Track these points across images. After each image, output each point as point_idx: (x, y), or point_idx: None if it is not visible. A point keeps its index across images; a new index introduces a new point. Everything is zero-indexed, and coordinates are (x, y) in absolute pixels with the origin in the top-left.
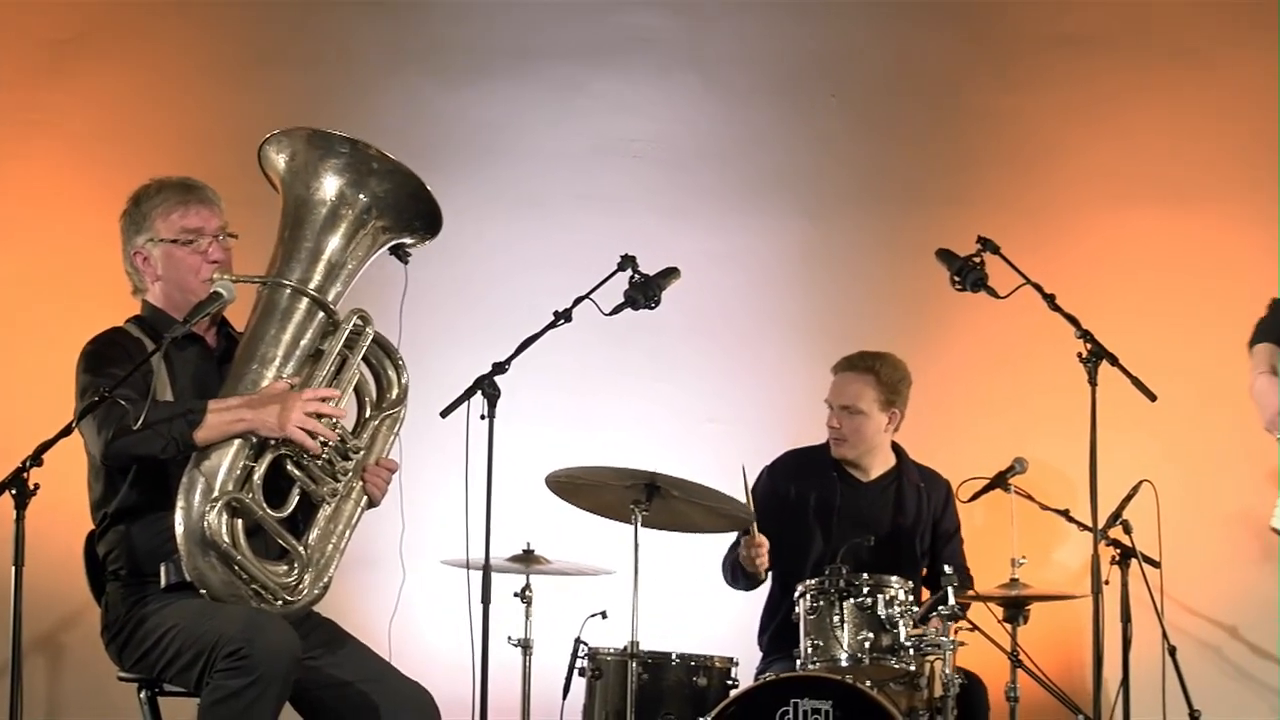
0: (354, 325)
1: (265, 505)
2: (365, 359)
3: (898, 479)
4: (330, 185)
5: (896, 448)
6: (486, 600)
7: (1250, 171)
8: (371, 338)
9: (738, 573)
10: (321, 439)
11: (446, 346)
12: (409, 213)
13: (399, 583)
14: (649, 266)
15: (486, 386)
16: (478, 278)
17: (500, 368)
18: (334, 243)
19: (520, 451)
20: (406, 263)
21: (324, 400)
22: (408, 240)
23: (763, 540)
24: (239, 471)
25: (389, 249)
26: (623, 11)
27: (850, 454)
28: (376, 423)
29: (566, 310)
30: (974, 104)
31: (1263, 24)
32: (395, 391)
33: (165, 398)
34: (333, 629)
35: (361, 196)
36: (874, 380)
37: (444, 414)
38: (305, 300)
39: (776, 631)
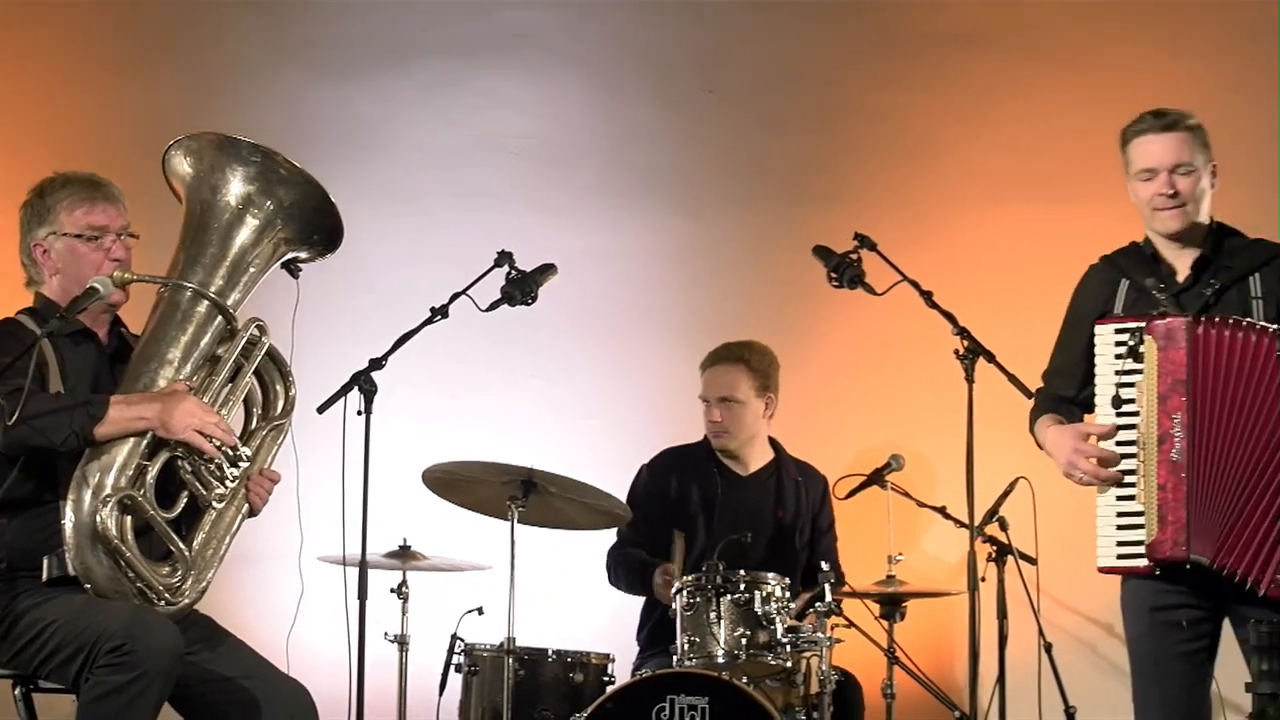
0: (251, 334)
1: (156, 505)
2: (255, 369)
3: (777, 472)
4: (237, 191)
5: (774, 442)
6: (363, 596)
7: (1121, 168)
8: (266, 349)
9: (633, 579)
10: (216, 443)
11: (324, 342)
12: (312, 226)
13: (278, 581)
14: (526, 263)
15: (363, 382)
16: (356, 274)
17: (377, 364)
18: (236, 249)
19: (397, 448)
20: (297, 277)
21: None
22: (304, 254)
23: (667, 575)
24: (132, 470)
25: (281, 263)
26: (502, 8)
27: (732, 444)
28: (263, 433)
29: (443, 306)
30: (851, 101)
31: (1136, 23)
32: (282, 404)
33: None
34: (210, 625)
35: (268, 204)
36: (745, 368)
37: (321, 409)
38: (205, 304)
39: (654, 628)
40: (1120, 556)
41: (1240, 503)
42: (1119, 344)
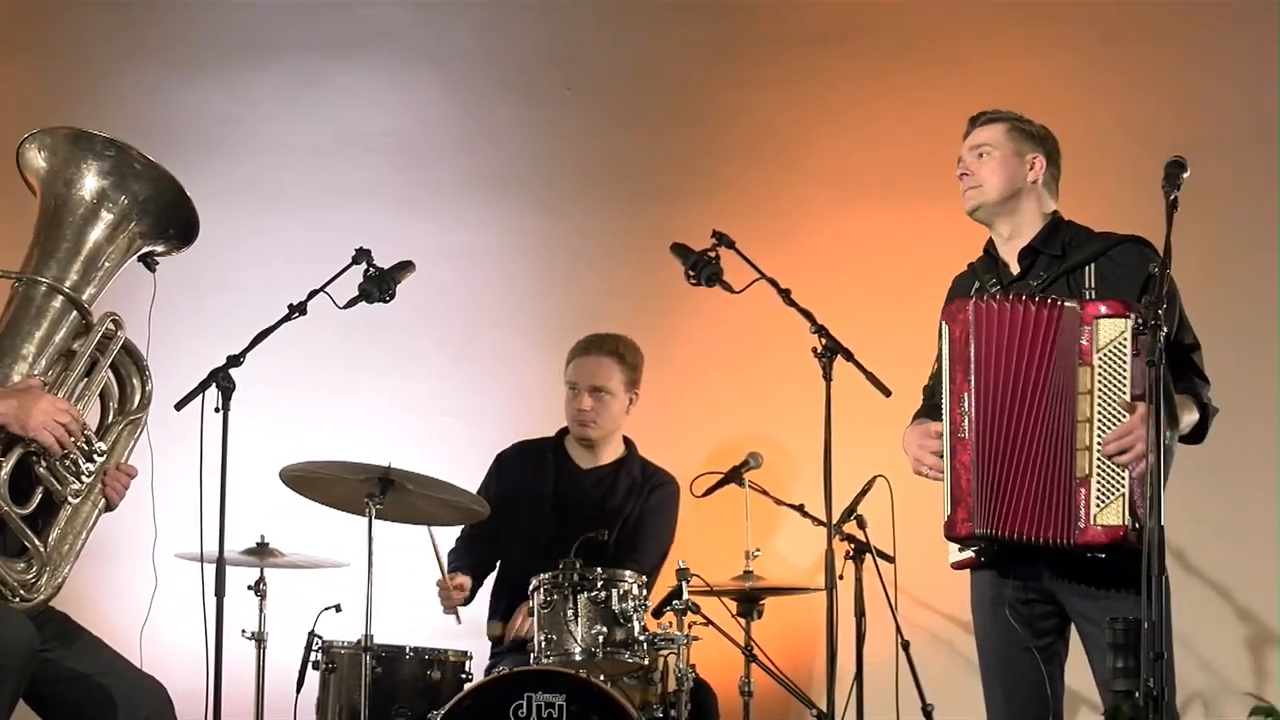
0: (106, 329)
1: (10, 501)
2: (111, 364)
3: (617, 470)
4: (91, 186)
5: (628, 441)
6: (220, 593)
7: None
8: (122, 343)
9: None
10: (73, 438)
11: (184, 339)
12: (167, 219)
13: (135, 577)
14: (384, 260)
15: (221, 379)
16: (216, 271)
17: (235, 360)
18: (91, 244)
19: (255, 444)
20: (154, 270)
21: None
22: (160, 248)
23: (464, 582)
24: None
25: (138, 256)
26: (363, 6)
27: (595, 434)
28: (119, 428)
29: (301, 304)
30: (710, 99)
31: (991, 23)
32: (139, 398)
33: None
34: (66, 622)
35: (123, 199)
36: (619, 361)
37: (178, 406)
38: (60, 299)
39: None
40: (960, 550)
41: (1023, 471)
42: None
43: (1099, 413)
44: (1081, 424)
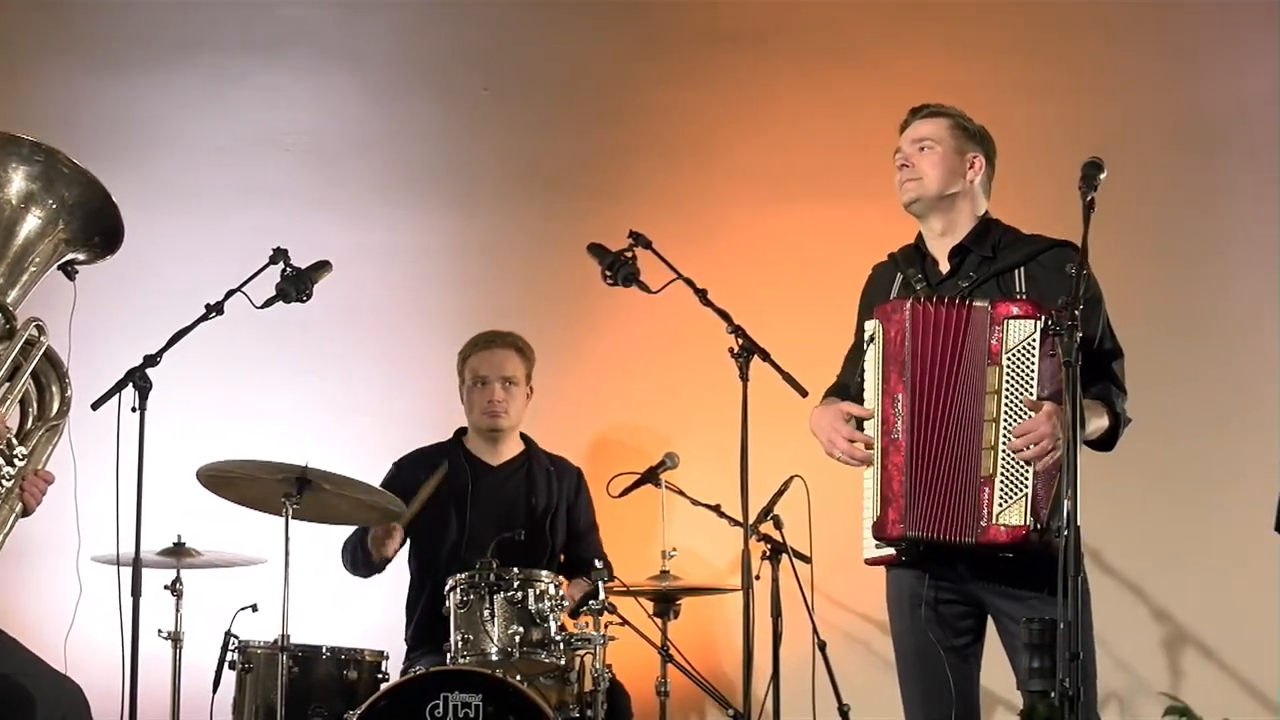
0: (29, 334)
1: None
2: (32, 370)
3: (528, 462)
4: (19, 189)
5: (524, 435)
6: (137, 594)
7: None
8: (44, 350)
9: (358, 558)
10: None
11: (102, 339)
12: (93, 226)
13: (56, 579)
14: (301, 260)
15: (137, 379)
16: (134, 271)
17: (151, 360)
18: (17, 247)
19: (172, 444)
20: (73, 279)
21: None
22: (83, 255)
23: (396, 529)
24: None
25: (59, 264)
26: (281, 6)
27: (507, 425)
28: (39, 433)
29: (218, 303)
30: (627, 99)
31: (910, 23)
32: (58, 405)
33: None
34: None
35: (51, 203)
36: (520, 355)
37: (95, 406)
38: None
39: (421, 624)
40: (877, 546)
41: (943, 472)
42: (871, 332)
43: (1004, 412)
44: (988, 423)
